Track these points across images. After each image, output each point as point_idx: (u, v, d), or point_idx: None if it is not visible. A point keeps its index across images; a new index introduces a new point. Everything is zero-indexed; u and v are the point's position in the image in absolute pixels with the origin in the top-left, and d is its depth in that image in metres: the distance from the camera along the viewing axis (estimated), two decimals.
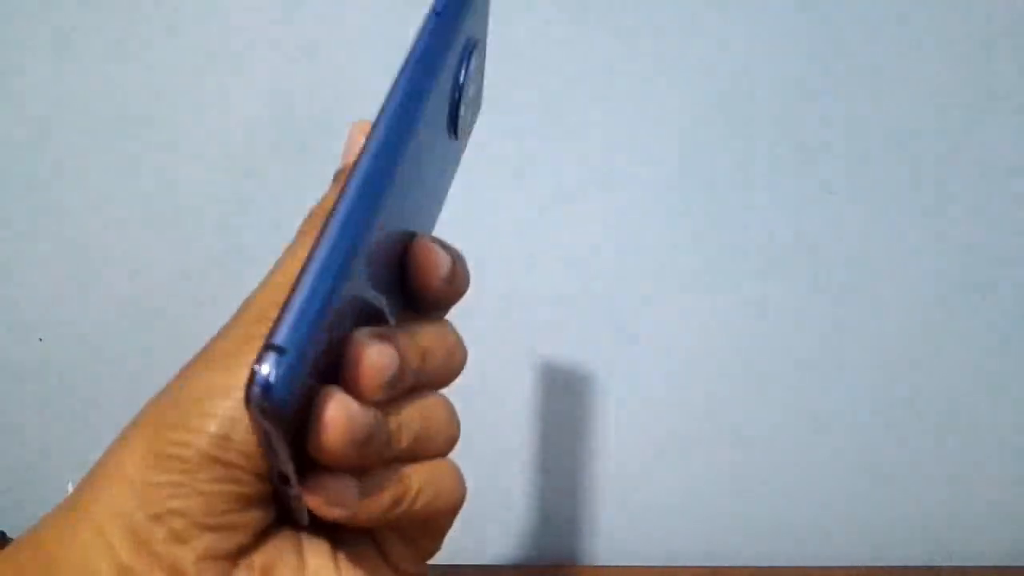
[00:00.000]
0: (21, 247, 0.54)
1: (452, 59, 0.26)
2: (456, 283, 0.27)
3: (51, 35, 0.49)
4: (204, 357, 0.25)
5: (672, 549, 0.60)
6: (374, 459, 0.24)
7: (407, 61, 0.25)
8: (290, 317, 0.21)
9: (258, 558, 0.24)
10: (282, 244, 0.26)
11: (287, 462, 0.22)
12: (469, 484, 0.28)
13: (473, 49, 0.27)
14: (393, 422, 0.25)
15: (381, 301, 0.25)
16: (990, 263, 0.54)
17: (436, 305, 0.28)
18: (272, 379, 0.20)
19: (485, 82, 0.31)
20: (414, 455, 0.26)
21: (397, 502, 0.25)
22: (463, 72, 0.27)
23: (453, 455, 0.28)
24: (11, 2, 0.48)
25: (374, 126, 0.24)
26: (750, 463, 0.58)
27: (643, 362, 0.56)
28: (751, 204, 0.52)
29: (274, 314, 0.21)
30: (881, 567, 0.59)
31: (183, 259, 0.54)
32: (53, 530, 0.24)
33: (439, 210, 0.30)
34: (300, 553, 0.25)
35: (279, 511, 0.25)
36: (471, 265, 0.28)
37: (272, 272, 0.26)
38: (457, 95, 0.27)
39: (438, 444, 0.27)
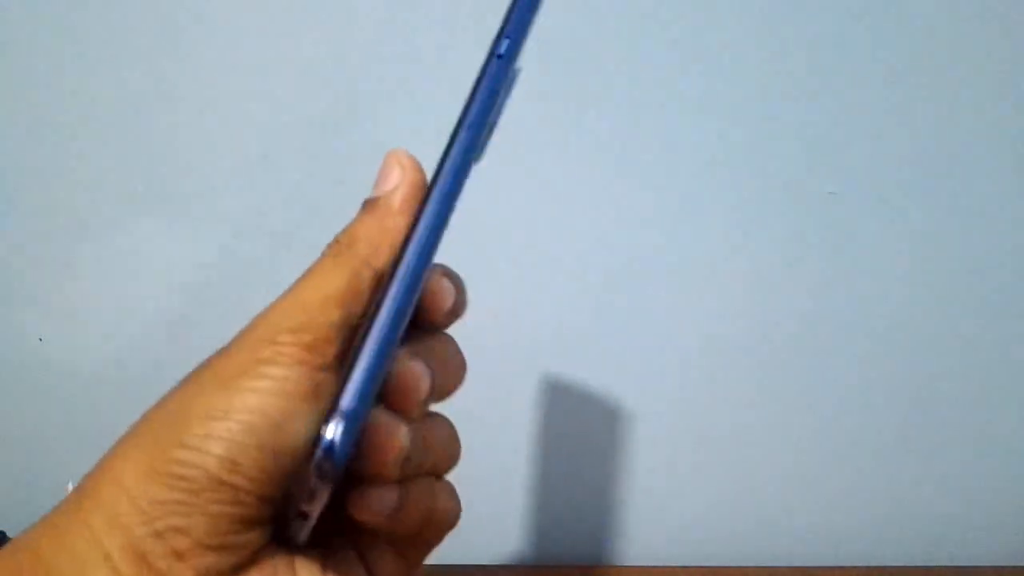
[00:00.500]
0: (21, 247, 0.53)
1: (504, 98, 0.26)
2: (457, 312, 0.28)
3: (54, 35, 0.49)
4: (208, 374, 0.25)
5: (672, 550, 0.60)
6: (411, 473, 0.26)
7: (464, 126, 0.25)
8: (355, 387, 0.23)
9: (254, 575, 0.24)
10: (290, 260, 0.26)
11: (320, 504, 0.23)
12: (469, 487, 0.29)
13: (515, 79, 0.27)
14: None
15: None
16: (991, 263, 0.54)
17: (434, 328, 0.28)
18: (337, 443, 0.22)
19: None
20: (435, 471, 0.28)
21: (429, 511, 0.27)
22: (505, 104, 0.27)
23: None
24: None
25: (428, 197, 0.24)
26: (750, 463, 0.58)
27: (643, 363, 0.56)
28: (754, 209, 0.52)
29: (286, 340, 0.23)
30: (881, 567, 0.59)
31: (186, 264, 0.53)
32: (51, 538, 0.24)
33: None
34: (293, 571, 0.25)
35: (276, 530, 0.25)
36: (468, 276, 0.28)
37: (285, 295, 0.25)
38: (494, 126, 0.27)
39: (445, 462, 0.28)
